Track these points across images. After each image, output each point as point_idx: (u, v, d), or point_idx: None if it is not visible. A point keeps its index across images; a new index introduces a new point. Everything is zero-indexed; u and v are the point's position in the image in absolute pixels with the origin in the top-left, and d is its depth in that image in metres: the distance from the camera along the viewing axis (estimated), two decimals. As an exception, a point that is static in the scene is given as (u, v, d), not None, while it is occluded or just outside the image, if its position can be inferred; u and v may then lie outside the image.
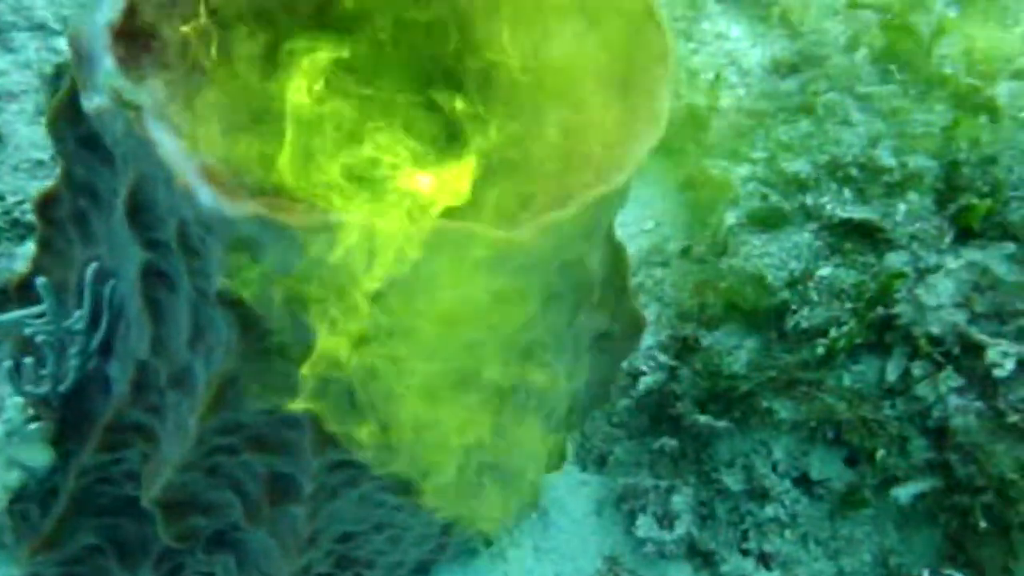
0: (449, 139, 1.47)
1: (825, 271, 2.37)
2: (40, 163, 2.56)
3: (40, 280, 1.59)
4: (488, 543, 2.62)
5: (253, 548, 1.82)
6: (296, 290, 1.23)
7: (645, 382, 2.58)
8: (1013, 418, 2.13)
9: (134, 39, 1.28)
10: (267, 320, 1.30)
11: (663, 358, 2.57)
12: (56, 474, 1.85)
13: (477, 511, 1.79)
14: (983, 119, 2.47)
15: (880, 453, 2.32)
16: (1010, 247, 2.26)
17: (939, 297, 2.21)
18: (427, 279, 1.19)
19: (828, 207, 2.41)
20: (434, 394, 1.32)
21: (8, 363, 1.68)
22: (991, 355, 2.14)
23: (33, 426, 1.78)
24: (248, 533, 1.78)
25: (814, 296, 2.36)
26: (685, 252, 2.74)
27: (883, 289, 2.28)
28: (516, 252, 1.26)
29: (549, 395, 1.73)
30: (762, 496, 2.51)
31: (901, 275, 2.27)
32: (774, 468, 2.50)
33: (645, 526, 2.56)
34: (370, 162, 1.37)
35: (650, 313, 2.67)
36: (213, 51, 1.36)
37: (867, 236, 2.37)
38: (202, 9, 1.33)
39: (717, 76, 2.99)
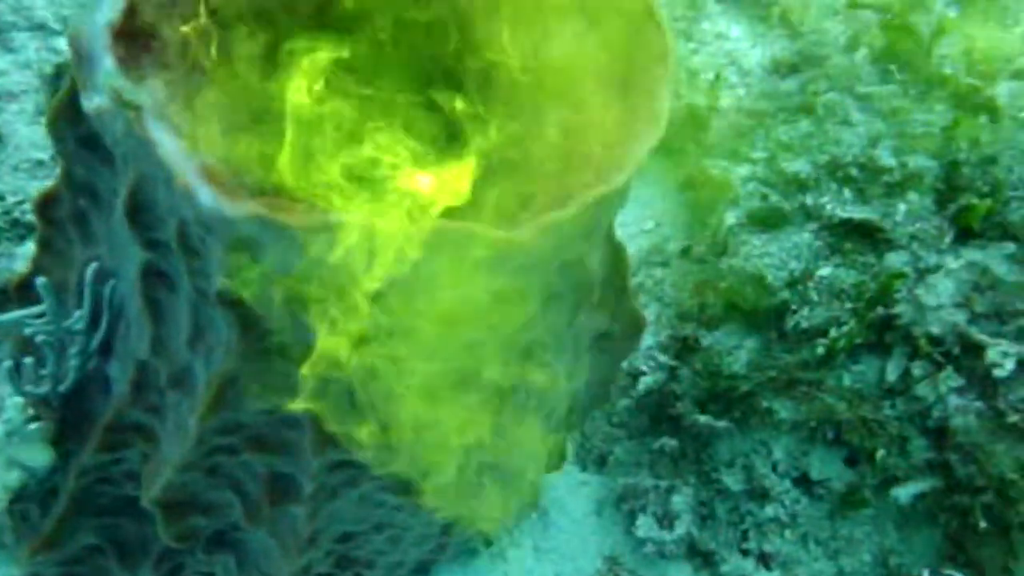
0: (449, 139, 1.47)
1: (825, 271, 2.37)
2: (40, 163, 2.56)
3: (40, 280, 1.59)
4: (488, 543, 2.62)
5: (253, 548, 1.82)
6: (296, 290, 1.23)
7: (645, 382, 2.58)
8: (1013, 418, 2.13)
9: (134, 39, 1.28)
10: (267, 320, 1.30)
11: (663, 358, 2.57)
12: (56, 474, 1.85)
13: (477, 511, 1.79)
14: (983, 119, 2.47)
15: (880, 453, 2.32)
16: (1010, 247, 2.25)
17: (939, 297, 2.21)
18: (427, 279, 1.19)
19: (828, 207, 2.41)
20: (434, 394, 1.32)
21: (8, 363, 1.68)
22: (991, 355, 2.13)
23: (33, 426, 1.78)
24: (248, 533, 1.78)
25: (814, 296, 2.35)
26: (685, 252, 2.74)
27: (883, 289, 2.28)
28: (516, 252, 1.26)
29: (549, 395, 1.73)
30: (762, 496, 2.51)
31: (901, 275, 2.27)
32: (774, 468, 2.50)
33: (645, 526, 2.56)
34: (370, 162, 1.37)
35: (650, 313, 2.67)
36: (213, 51, 1.36)
37: (867, 236, 2.37)
38: (202, 9, 1.33)
39: (717, 76, 2.99)
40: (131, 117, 1.18)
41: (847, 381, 2.34)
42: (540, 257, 1.32)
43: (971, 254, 2.26)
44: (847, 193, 2.44)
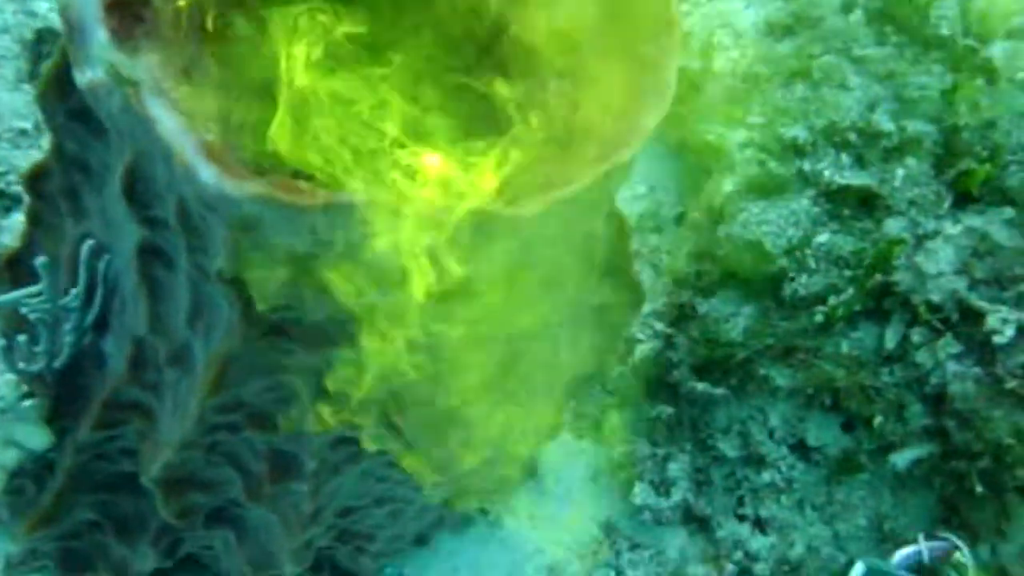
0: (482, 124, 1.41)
1: (823, 238, 2.35)
2: (23, 132, 2.50)
3: (40, 260, 1.56)
4: (484, 511, 2.62)
5: (253, 524, 1.81)
6: (300, 268, 1.21)
7: (642, 350, 2.57)
8: (1011, 384, 2.14)
9: (126, 10, 1.24)
10: (270, 298, 1.27)
11: (659, 326, 2.56)
12: (52, 450, 1.83)
13: (474, 485, 1.79)
14: (981, 82, 2.44)
15: (878, 419, 2.33)
16: (1009, 212, 2.24)
17: (938, 264, 2.20)
18: (433, 258, 1.17)
19: (826, 173, 2.38)
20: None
21: (1, 341, 1.65)
22: (991, 322, 2.13)
23: (27, 403, 1.76)
24: (248, 509, 1.77)
25: (812, 263, 2.34)
26: (680, 218, 2.72)
27: (882, 256, 2.27)
28: (522, 227, 1.24)
29: (550, 367, 1.72)
30: (758, 462, 2.52)
31: (900, 242, 2.26)
32: (771, 435, 2.51)
33: (642, 493, 2.57)
34: (371, 137, 1.33)
35: (645, 280, 2.65)
36: (209, 22, 1.31)
37: (865, 202, 2.36)
38: (196, -22, 1.29)
39: (711, 39, 2.95)
40: (129, 93, 1.14)
41: (845, 348, 2.34)
42: (546, 232, 1.30)
43: (970, 219, 2.25)
44: (845, 158, 2.41)
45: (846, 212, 2.37)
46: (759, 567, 2.52)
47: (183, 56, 1.29)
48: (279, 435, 1.55)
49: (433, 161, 1.20)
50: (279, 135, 1.32)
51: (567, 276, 1.49)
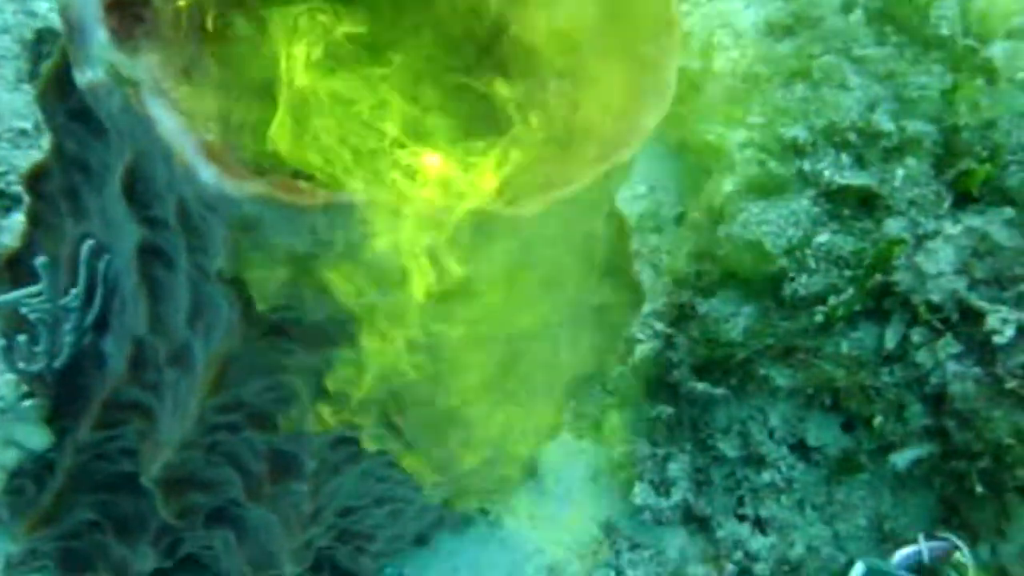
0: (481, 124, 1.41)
1: (823, 238, 2.35)
2: (23, 132, 2.50)
3: (40, 260, 1.55)
4: (484, 511, 2.62)
5: (253, 524, 1.81)
6: (300, 268, 1.21)
7: (642, 350, 2.57)
8: (1011, 384, 2.14)
9: (126, 9, 1.24)
10: (270, 298, 1.27)
11: (659, 326, 2.56)
12: (52, 450, 1.83)
13: (474, 485, 1.79)
14: (981, 82, 2.44)
15: (878, 419, 2.33)
16: (1009, 212, 2.24)
17: (938, 264, 2.20)
18: (433, 258, 1.17)
19: (826, 173, 2.38)
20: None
21: (1, 341, 1.65)
22: (991, 322, 2.13)
23: (28, 403, 1.76)
24: (248, 510, 1.77)
25: (812, 263, 2.34)
26: (680, 218, 2.72)
27: (882, 256, 2.27)
28: (522, 227, 1.24)
29: (551, 367, 1.72)
30: (758, 462, 2.52)
31: (900, 242, 2.26)
32: (771, 435, 2.51)
33: (642, 493, 2.57)
34: (371, 137, 1.33)
35: (645, 280, 2.65)
36: (209, 22, 1.31)
37: (865, 202, 2.35)
38: (197, -23, 1.29)
39: (710, 39, 2.95)
40: (129, 93, 1.14)
41: (845, 348, 2.34)
42: (545, 232, 1.30)
43: (970, 219, 2.25)
44: (845, 158, 2.41)
45: (846, 212, 2.37)
46: (759, 567, 2.52)
47: (183, 56, 1.29)
48: (279, 435, 1.55)
49: (433, 161, 1.20)
50: (279, 135, 1.32)
51: (567, 276, 1.49)
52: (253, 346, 1.38)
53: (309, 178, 1.24)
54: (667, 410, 2.58)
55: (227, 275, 1.26)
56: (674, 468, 2.58)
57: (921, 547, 2.19)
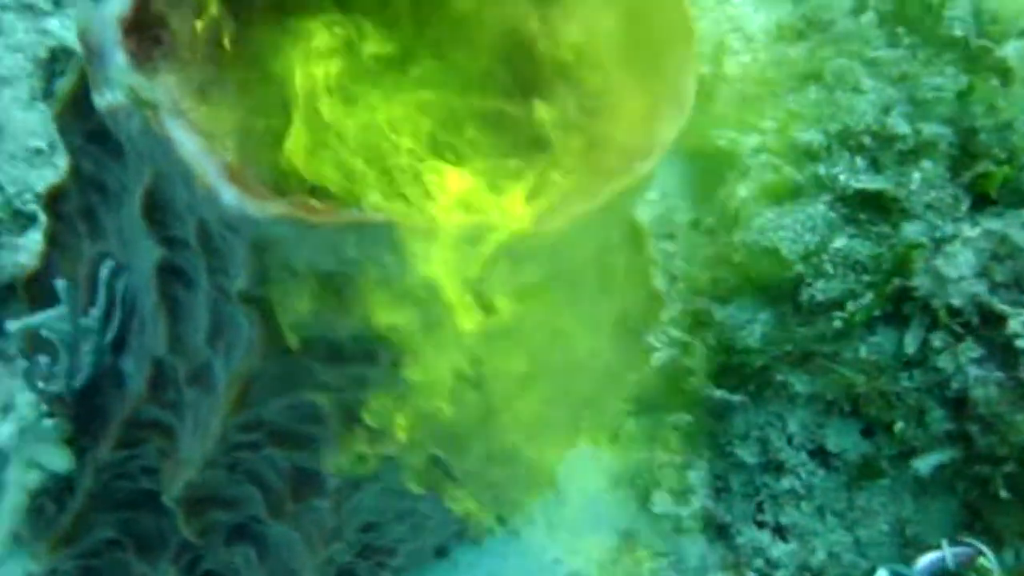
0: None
1: (840, 243, 2.34)
2: (38, 152, 2.50)
3: (60, 283, 1.56)
4: (502, 521, 2.61)
5: (275, 541, 1.81)
6: (324, 288, 1.20)
7: (658, 357, 2.56)
8: (1034, 387, 2.12)
9: (144, 32, 1.24)
10: (294, 318, 1.27)
11: (676, 333, 2.55)
12: (72, 470, 1.82)
13: (499, 499, 1.78)
14: (996, 82, 2.42)
15: (898, 425, 2.31)
16: (1028, 214, 2.23)
17: (958, 267, 2.19)
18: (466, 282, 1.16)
19: (842, 177, 2.37)
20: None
21: (22, 362, 1.65)
22: (1013, 325, 2.12)
23: (48, 423, 1.76)
24: (270, 526, 1.76)
25: (829, 269, 2.33)
26: (694, 225, 2.71)
27: (900, 260, 2.26)
28: (545, 244, 1.23)
29: (571, 379, 1.71)
30: (777, 469, 2.51)
31: (919, 246, 2.25)
32: (789, 441, 2.49)
33: (661, 501, 2.56)
34: (392, 153, 1.33)
35: (660, 287, 2.64)
36: (226, 41, 1.31)
37: (882, 206, 2.34)
38: (213, -1, 1.29)
39: (721, 43, 2.94)
40: (148, 116, 1.14)
41: (864, 353, 2.33)
42: (566, 247, 1.29)
43: (988, 222, 2.24)
44: (860, 162, 2.40)
45: (863, 216, 2.35)
46: (780, 574, 2.50)
47: (200, 76, 1.29)
48: (301, 452, 1.55)
49: (458, 180, 1.19)
50: (295, 149, 1.32)
51: (587, 288, 1.48)
52: (275, 365, 1.37)
53: (329, 196, 1.24)
54: (685, 417, 2.57)
55: (248, 295, 1.26)
56: (693, 475, 2.57)
57: (945, 553, 2.17)
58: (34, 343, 1.71)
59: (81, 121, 1.41)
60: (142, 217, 1.32)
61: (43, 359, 1.66)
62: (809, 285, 2.35)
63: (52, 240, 1.71)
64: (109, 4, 1.20)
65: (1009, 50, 2.50)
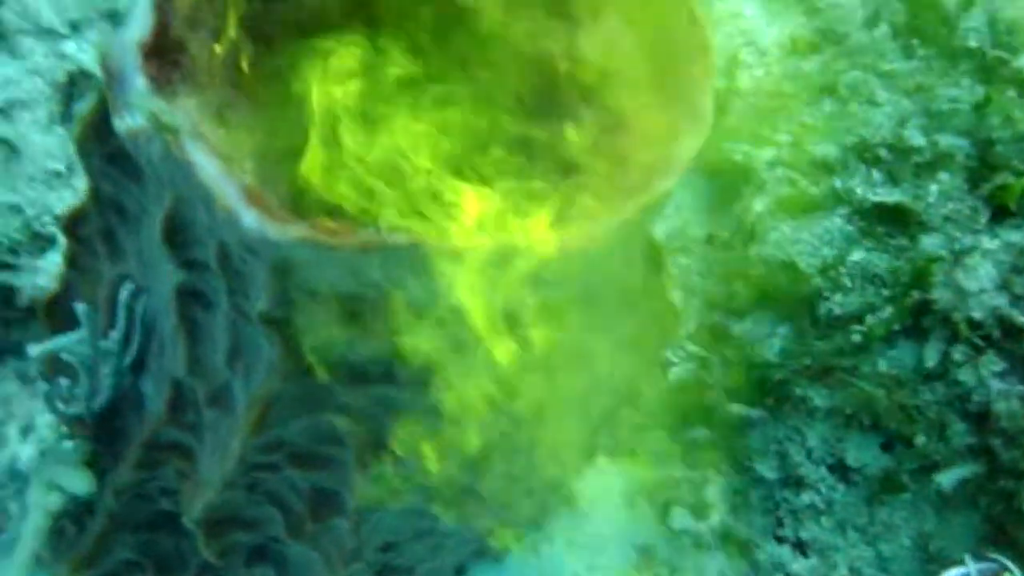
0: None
1: (858, 256, 2.33)
2: (57, 174, 2.52)
3: (80, 307, 1.56)
4: (520, 539, 2.60)
5: (295, 561, 1.81)
6: (344, 310, 1.20)
7: (675, 372, 2.55)
8: (1058, 402, 2.11)
9: (164, 56, 1.24)
10: (313, 339, 1.27)
11: (693, 348, 2.54)
12: (92, 491, 1.83)
13: (515, 516, 1.77)
14: (1013, 93, 2.41)
15: (919, 439, 2.29)
16: (1048, 226, 2.22)
17: (979, 280, 2.17)
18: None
19: (858, 190, 2.36)
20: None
21: (43, 384, 1.66)
22: (1035, 339, 2.10)
23: (68, 445, 1.76)
24: (289, 547, 1.76)
25: (847, 282, 2.32)
26: (710, 239, 2.70)
27: (919, 274, 2.25)
28: (566, 263, 1.23)
29: (588, 395, 1.71)
30: (797, 484, 2.49)
31: (938, 259, 2.23)
32: (809, 455, 2.48)
33: (679, 517, 2.55)
34: (412, 174, 1.33)
35: (677, 302, 2.63)
36: (245, 63, 1.32)
37: (899, 219, 2.33)
38: (231, 22, 1.29)
39: (734, 57, 2.94)
40: (169, 140, 1.14)
41: (883, 367, 2.31)
42: (588, 267, 1.29)
43: (1008, 234, 2.22)
44: (876, 175, 2.39)
45: (880, 230, 2.34)
46: (801, 589, 2.48)
47: (219, 98, 1.30)
48: (321, 473, 1.55)
49: (478, 201, 1.19)
50: (312, 169, 1.33)
51: (608, 306, 1.48)
52: (295, 386, 1.37)
53: (350, 218, 1.24)
54: (703, 432, 2.56)
55: (268, 317, 1.26)
56: (711, 491, 2.56)
57: (969, 568, 2.15)
58: (54, 365, 1.71)
59: (101, 144, 1.42)
60: (162, 241, 1.32)
61: (63, 381, 1.67)
62: (827, 299, 2.34)
63: (72, 262, 1.71)
64: (129, 29, 1.21)
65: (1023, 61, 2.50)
